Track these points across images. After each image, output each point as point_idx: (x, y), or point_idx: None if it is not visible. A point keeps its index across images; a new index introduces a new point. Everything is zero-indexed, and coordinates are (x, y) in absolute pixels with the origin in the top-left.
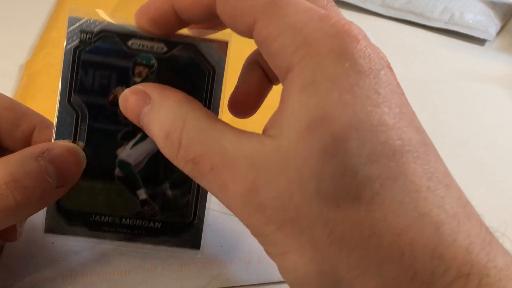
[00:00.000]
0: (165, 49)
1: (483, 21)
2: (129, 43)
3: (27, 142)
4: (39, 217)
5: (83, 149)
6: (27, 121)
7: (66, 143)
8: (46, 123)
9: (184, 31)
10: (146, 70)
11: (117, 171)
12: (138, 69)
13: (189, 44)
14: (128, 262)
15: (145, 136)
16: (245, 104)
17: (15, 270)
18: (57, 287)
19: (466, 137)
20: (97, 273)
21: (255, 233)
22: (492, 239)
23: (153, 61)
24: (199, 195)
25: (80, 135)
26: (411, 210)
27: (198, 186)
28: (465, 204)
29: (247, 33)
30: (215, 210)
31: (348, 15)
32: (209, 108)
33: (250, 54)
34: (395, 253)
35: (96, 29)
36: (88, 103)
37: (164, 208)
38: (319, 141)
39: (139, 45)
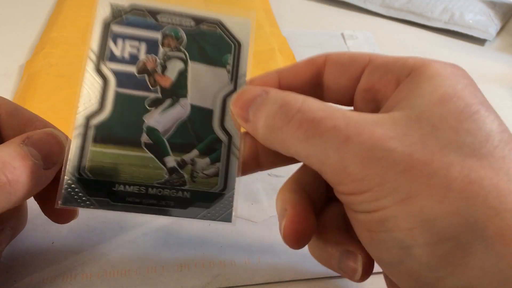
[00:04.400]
0: (192, 23)
1: (483, 21)
2: (158, 17)
3: None
4: (41, 219)
5: (110, 114)
6: (31, 127)
7: (44, 129)
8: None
9: (207, 6)
10: (175, 41)
11: (144, 138)
12: (167, 40)
13: (215, 20)
14: (128, 262)
15: (173, 103)
16: (301, 232)
17: (15, 270)
18: (57, 287)
19: None
20: (97, 273)
21: (367, 186)
22: None
23: (181, 34)
24: (229, 163)
25: (107, 101)
26: None
27: (228, 154)
28: None
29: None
30: None
31: (348, 15)
32: (235, 81)
33: (288, 182)
34: None
35: (126, 4)
36: (116, 70)
37: (193, 176)
38: (454, 106)
39: (168, 19)
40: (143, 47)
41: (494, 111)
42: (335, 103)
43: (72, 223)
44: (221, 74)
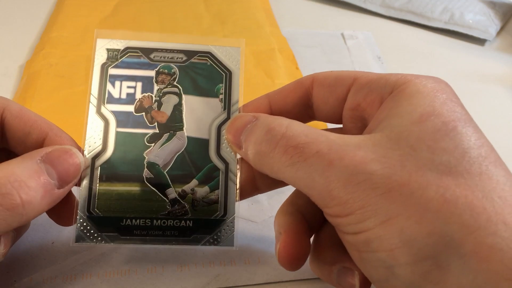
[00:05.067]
0: (184, 58)
1: (483, 21)
2: (152, 56)
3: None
4: (41, 219)
5: (113, 153)
6: (37, 129)
7: (63, 146)
8: (56, 130)
9: (200, 39)
10: (168, 77)
11: (146, 173)
12: (161, 77)
13: (205, 52)
14: (128, 262)
15: (171, 137)
16: (295, 256)
17: (15, 270)
18: (57, 287)
19: None
20: (97, 273)
21: (351, 209)
22: None
23: (174, 70)
24: (228, 190)
25: (109, 141)
26: None
27: (226, 181)
28: None
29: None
30: None
31: (348, 15)
32: (228, 109)
33: (284, 205)
34: (508, 216)
35: (121, 47)
36: (115, 111)
37: (195, 206)
38: (432, 124)
39: (161, 57)
40: (139, 86)
41: (472, 125)
42: (325, 122)
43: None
44: (214, 104)
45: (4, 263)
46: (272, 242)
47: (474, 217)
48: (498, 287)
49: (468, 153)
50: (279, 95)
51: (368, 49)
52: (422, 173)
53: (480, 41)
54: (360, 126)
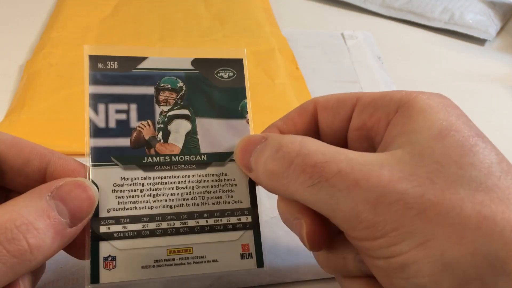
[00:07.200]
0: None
1: (483, 21)
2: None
3: (41, 179)
4: None
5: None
6: (37, 155)
7: (75, 179)
8: (58, 154)
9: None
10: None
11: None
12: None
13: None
14: None
15: None
16: (324, 234)
17: None
18: None
19: None
20: None
21: (382, 231)
22: None
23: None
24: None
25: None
26: None
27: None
28: None
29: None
30: None
31: (348, 15)
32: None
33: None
34: None
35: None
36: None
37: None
38: (453, 139)
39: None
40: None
41: (489, 140)
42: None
43: None
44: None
45: None
46: (274, 243)
47: None
48: None
49: (492, 168)
50: (286, 125)
51: (368, 49)
52: (454, 190)
53: (480, 41)
54: (366, 146)
